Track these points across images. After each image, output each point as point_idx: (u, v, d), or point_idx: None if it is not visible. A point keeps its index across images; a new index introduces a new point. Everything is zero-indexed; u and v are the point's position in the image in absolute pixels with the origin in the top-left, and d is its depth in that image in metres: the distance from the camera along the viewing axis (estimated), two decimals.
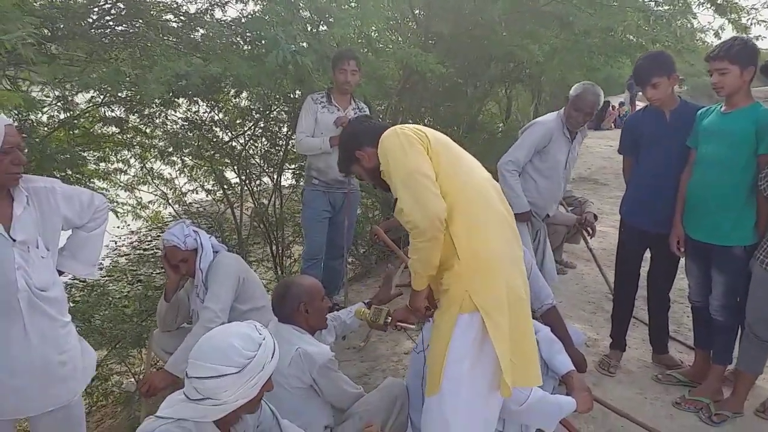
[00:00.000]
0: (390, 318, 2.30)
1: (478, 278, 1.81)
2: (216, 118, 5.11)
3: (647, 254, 3.22)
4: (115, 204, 5.11)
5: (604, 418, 2.74)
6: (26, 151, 3.20)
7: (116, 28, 3.88)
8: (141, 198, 5.52)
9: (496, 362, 1.79)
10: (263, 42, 3.73)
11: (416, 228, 1.77)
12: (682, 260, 3.04)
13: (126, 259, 7.27)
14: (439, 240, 1.79)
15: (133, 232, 7.78)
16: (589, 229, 4.46)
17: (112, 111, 4.27)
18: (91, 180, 4.55)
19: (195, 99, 4.66)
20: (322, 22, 4.14)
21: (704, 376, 2.97)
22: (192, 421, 1.58)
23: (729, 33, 6.04)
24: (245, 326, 1.65)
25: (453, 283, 1.84)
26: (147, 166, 5.30)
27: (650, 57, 2.91)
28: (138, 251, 7.89)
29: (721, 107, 2.74)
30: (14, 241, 1.95)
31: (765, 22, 5.52)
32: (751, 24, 5.64)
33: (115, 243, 8.07)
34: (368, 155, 2.02)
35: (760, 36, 6.48)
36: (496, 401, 1.90)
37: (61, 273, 2.24)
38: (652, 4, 5.94)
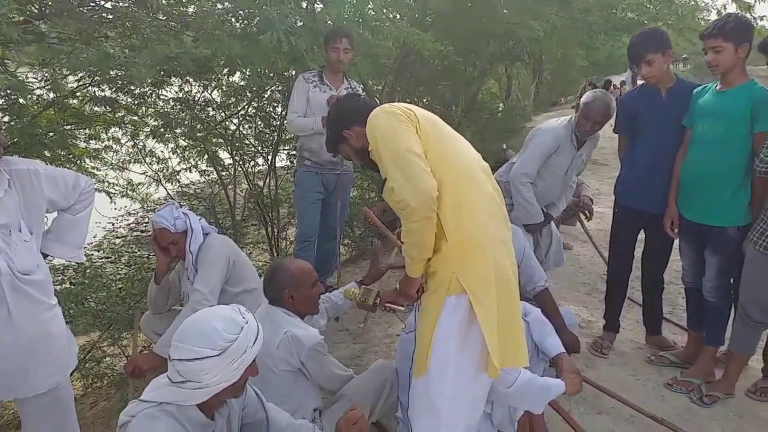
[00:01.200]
0: (379, 299, 2.28)
1: (466, 260, 1.79)
2: (209, 97, 5.04)
3: (641, 235, 3.19)
4: (106, 184, 5.06)
5: (595, 399, 2.74)
6: (11, 129, 3.17)
7: (105, 5, 3.80)
8: (131, 179, 5.46)
9: (484, 344, 1.78)
10: (255, 20, 3.66)
11: (408, 207, 1.73)
12: (677, 241, 3.02)
13: (122, 241, 7.27)
14: (432, 219, 1.75)
15: (129, 213, 7.77)
16: (586, 212, 4.43)
17: (102, 91, 4.21)
18: (82, 159, 4.50)
19: (187, 79, 4.59)
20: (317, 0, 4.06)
21: (697, 357, 2.96)
22: (175, 405, 1.57)
23: (732, 11, 5.94)
24: (229, 309, 1.63)
25: (440, 265, 1.82)
26: (139, 145, 5.23)
27: (644, 34, 2.85)
28: (135, 233, 7.90)
29: (716, 86, 2.69)
30: None
31: None
32: (756, 2, 5.55)
33: (113, 225, 8.08)
34: (356, 135, 1.98)
35: (765, 16, 6.39)
36: (484, 383, 1.89)
37: (46, 256, 2.22)
38: None
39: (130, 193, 5.39)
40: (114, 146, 5.07)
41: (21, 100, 3.63)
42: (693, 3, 6.37)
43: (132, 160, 5.30)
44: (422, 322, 1.88)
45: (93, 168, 4.80)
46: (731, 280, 2.78)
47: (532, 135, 3.40)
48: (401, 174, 1.74)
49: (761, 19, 6.41)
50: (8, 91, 3.31)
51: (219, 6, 3.76)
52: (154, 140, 5.09)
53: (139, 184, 5.48)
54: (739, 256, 2.66)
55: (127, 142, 5.14)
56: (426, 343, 1.83)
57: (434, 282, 1.84)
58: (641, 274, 3.27)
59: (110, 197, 5.13)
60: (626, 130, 3.08)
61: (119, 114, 4.62)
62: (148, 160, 5.40)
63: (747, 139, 2.56)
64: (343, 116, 2.02)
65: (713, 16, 6.72)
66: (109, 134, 4.90)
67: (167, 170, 5.57)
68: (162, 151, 5.40)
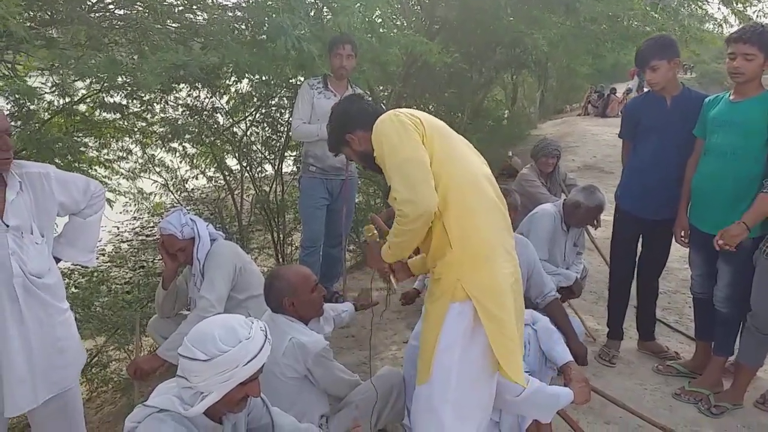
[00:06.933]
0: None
1: (470, 267, 1.79)
2: (217, 104, 5.06)
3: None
4: (117, 193, 5.05)
5: (602, 409, 2.73)
6: (20, 135, 3.18)
7: (116, 11, 3.83)
8: (142, 188, 5.45)
9: (487, 350, 1.78)
10: (265, 28, 3.67)
11: (406, 217, 1.75)
12: (687, 251, 3.00)
13: (128, 245, 7.30)
14: (422, 232, 1.79)
15: (135, 218, 7.79)
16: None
17: (112, 97, 4.22)
18: (92, 167, 4.51)
19: (196, 85, 4.61)
20: (325, 8, 4.07)
21: (705, 367, 2.95)
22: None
23: (733, 23, 5.96)
24: (239, 321, 1.61)
25: (445, 272, 1.83)
26: (148, 153, 5.24)
27: (653, 40, 2.87)
28: (140, 237, 7.92)
29: (729, 96, 2.68)
30: (7, 226, 1.94)
31: None
32: (757, 16, 5.56)
33: (118, 229, 8.10)
34: (359, 139, 1.97)
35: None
36: (489, 390, 1.88)
37: (58, 260, 2.24)
38: None
39: (142, 202, 5.38)
40: (124, 154, 5.06)
41: (31, 106, 3.64)
42: (698, 13, 6.37)
43: (142, 170, 5.29)
44: (426, 329, 1.89)
45: (104, 177, 4.80)
46: (743, 291, 2.76)
47: (525, 224, 3.38)
48: (404, 185, 1.75)
49: None
50: (17, 96, 3.32)
51: (229, 14, 3.78)
52: (163, 149, 5.09)
53: (152, 193, 5.48)
54: (751, 266, 2.64)
55: (137, 151, 5.15)
56: (430, 350, 1.83)
57: (438, 289, 1.85)
58: (636, 278, 3.26)
59: (110, 205, 5.12)
60: (629, 135, 3.09)
61: (128, 121, 4.63)
62: (157, 169, 5.39)
63: (763, 150, 2.54)
64: (346, 120, 2.01)
65: (717, 27, 6.69)
66: (120, 145, 4.91)
67: (176, 178, 5.57)
68: (171, 161, 5.40)
